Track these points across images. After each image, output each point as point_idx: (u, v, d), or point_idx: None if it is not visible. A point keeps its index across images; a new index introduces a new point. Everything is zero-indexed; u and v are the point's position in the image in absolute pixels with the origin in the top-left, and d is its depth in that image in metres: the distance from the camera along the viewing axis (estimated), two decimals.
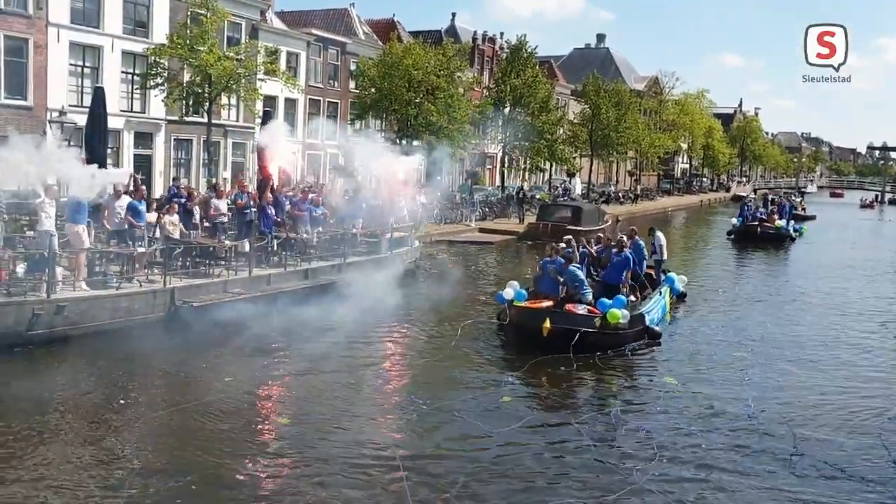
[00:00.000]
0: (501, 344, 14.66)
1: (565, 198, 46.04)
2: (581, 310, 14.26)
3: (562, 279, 14.97)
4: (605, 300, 14.54)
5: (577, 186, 53.94)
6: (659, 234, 20.08)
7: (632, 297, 15.91)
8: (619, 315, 14.08)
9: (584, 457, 9.50)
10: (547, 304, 14.60)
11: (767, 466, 9.36)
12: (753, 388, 12.55)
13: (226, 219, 18.77)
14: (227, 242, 17.29)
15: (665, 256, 19.95)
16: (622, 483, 8.67)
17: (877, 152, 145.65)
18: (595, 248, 17.59)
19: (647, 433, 10.26)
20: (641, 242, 18.13)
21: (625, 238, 16.91)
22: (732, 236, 38.41)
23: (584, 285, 14.91)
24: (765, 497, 8.59)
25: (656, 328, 15.30)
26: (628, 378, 13.29)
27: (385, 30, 45.31)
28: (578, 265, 15.44)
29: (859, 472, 9.30)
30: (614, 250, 16.44)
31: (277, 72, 30.67)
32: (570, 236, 17.48)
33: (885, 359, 15.32)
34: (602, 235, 19.54)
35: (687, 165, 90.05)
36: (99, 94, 19.00)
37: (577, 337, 13.51)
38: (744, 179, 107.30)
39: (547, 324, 13.53)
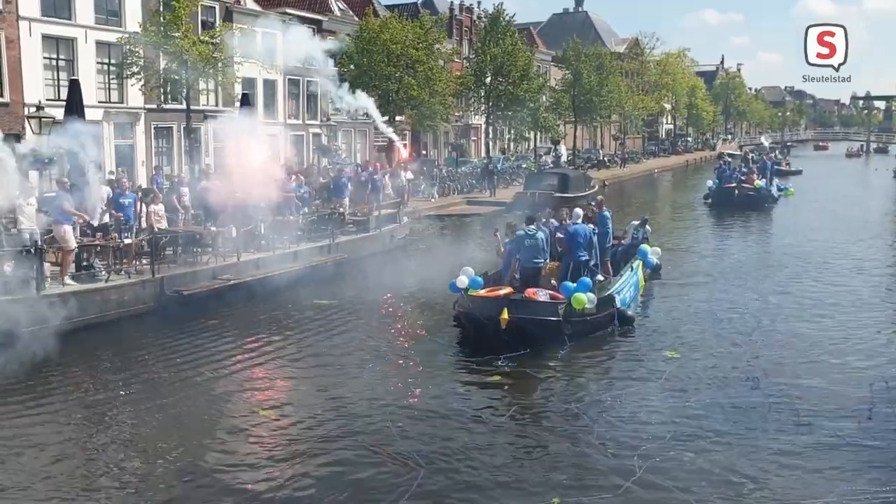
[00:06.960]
0: (460, 338, 13.29)
1: (553, 165, 45.87)
2: (542, 296, 12.92)
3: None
4: (569, 283, 13.09)
5: (563, 153, 53.87)
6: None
7: (600, 277, 14.58)
8: (585, 299, 12.67)
9: (577, 450, 9.01)
10: (505, 291, 13.02)
11: (773, 441, 9.14)
12: (747, 360, 12.21)
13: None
14: (213, 229, 17.24)
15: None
16: (623, 475, 8.22)
17: (860, 102, 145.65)
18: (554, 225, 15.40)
19: (642, 419, 9.79)
20: (607, 214, 16.73)
21: (578, 210, 15.11)
22: (709, 200, 36.28)
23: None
24: (773, 474, 8.38)
25: (628, 311, 14.03)
26: (609, 361, 12.49)
27: (360, 5, 44.84)
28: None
29: (863, 440, 9.19)
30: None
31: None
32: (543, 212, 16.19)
33: (876, 317, 15.13)
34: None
35: (671, 126, 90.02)
36: (74, 87, 18.83)
37: (538, 328, 12.30)
38: (729, 137, 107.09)
39: (505, 314, 12.16)
